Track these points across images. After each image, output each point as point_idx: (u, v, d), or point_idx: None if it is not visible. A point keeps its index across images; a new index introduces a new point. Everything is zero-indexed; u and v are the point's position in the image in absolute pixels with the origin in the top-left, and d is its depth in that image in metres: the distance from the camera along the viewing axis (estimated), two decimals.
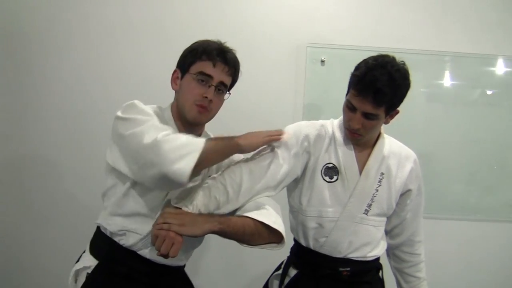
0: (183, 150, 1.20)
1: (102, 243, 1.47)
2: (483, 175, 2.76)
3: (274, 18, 2.67)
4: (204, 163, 1.25)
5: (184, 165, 1.18)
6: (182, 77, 1.48)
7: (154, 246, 1.27)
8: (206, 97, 1.43)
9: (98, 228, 1.51)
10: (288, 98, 2.67)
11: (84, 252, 1.55)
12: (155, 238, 1.26)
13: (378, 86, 1.40)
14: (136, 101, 1.41)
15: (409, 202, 1.68)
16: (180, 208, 1.34)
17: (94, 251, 1.49)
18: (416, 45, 2.65)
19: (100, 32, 2.62)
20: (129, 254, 1.42)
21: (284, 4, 2.66)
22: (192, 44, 1.52)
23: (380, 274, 1.73)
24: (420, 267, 1.75)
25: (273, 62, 2.64)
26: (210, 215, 1.37)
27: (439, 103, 2.78)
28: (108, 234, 1.45)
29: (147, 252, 1.42)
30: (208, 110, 1.45)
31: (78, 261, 1.53)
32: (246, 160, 1.52)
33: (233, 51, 1.52)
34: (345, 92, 1.55)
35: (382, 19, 2.68)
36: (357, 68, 1.51)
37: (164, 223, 1.28)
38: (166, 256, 1.26)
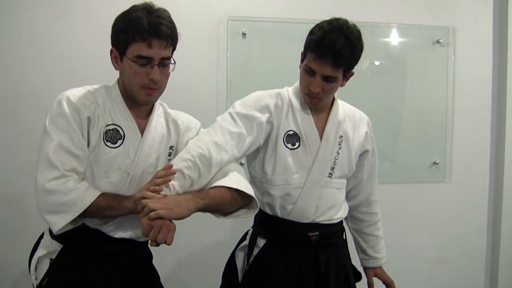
0: (62, 207, 1.23)
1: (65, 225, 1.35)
2: (389, 143, 2.80)
3: None
4: (88, 216, 1.28)
5: (56, 221, 1.23)
6: (121, 58, 1.37)
7: (148, 237, 1.19)
8: (152, 79, 1.35)
9: None
10: (211, 73, 2.56)
11: (41, 237, 1.43)
12: (149, 228, 1.18)
13: (337, 48, 1.43)
14: (63, 100, 1.31)
15: (366, 163, 1.74)
16: (158, 193, 1.27)
17: (56, 235, 1.35)
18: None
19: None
20: (97, 235, 1.35)
21: None
22: (118, 17, 1.36)
23: (344, 236, 1.75)
24: (378, 225, 1.82)
25: (194, 37, 2.49)
26: (190, 193, 1.33)
27: None
28: None
29: (118, 232, 1.37)
30: (156, 89, 1.39)
31: (35, 247, 1.41)
32: (209, 133, 1.49)
33: (162, 12, 1.35)
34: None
35: None
36: (312, 33, 1.51)
37: (150, 211, 1.19)
38: (158, 244, 1.20)
